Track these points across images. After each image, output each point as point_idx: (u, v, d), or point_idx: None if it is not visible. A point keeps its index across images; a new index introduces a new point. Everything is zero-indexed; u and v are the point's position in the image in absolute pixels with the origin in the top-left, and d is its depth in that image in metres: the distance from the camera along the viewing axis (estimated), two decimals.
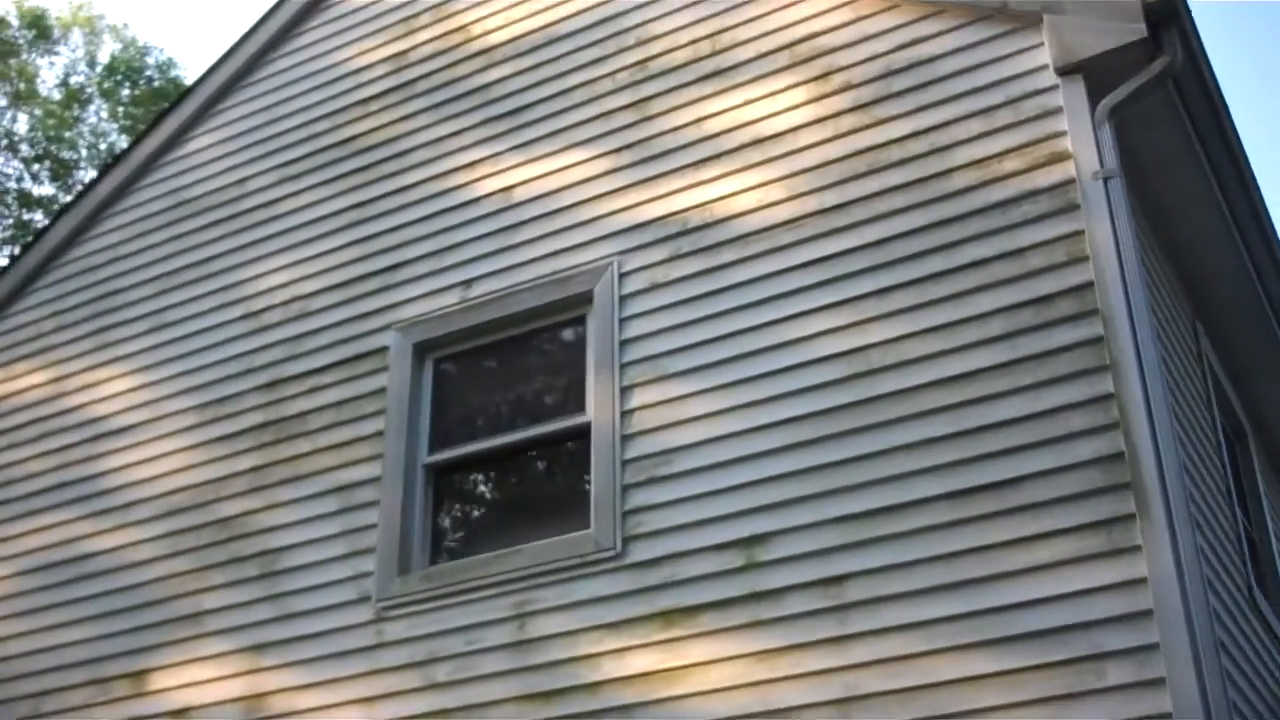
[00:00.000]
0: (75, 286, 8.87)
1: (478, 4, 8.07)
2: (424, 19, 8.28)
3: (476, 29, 8.01)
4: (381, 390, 7.27)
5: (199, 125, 8.90)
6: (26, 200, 23.42)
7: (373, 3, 8.53)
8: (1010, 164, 5.98)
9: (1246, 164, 6.49)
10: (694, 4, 7.24)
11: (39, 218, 23.61)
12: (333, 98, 8.40)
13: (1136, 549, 5.16)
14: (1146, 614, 5.06)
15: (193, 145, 8.87)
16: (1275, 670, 6.45)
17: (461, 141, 7.69)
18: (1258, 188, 6.59)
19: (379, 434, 7.17)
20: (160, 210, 8.76)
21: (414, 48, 8.21)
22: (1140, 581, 5.11)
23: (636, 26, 7.39)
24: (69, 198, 23.41)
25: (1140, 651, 5.04)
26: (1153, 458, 5.20)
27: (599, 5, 7.56)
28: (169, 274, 8.46)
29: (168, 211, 8.72)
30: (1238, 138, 6.34)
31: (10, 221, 23.19)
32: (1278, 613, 6.98)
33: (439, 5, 8.24)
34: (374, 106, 8.18)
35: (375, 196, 7.88)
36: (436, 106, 7.91)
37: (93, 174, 23.84)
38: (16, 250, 23.13)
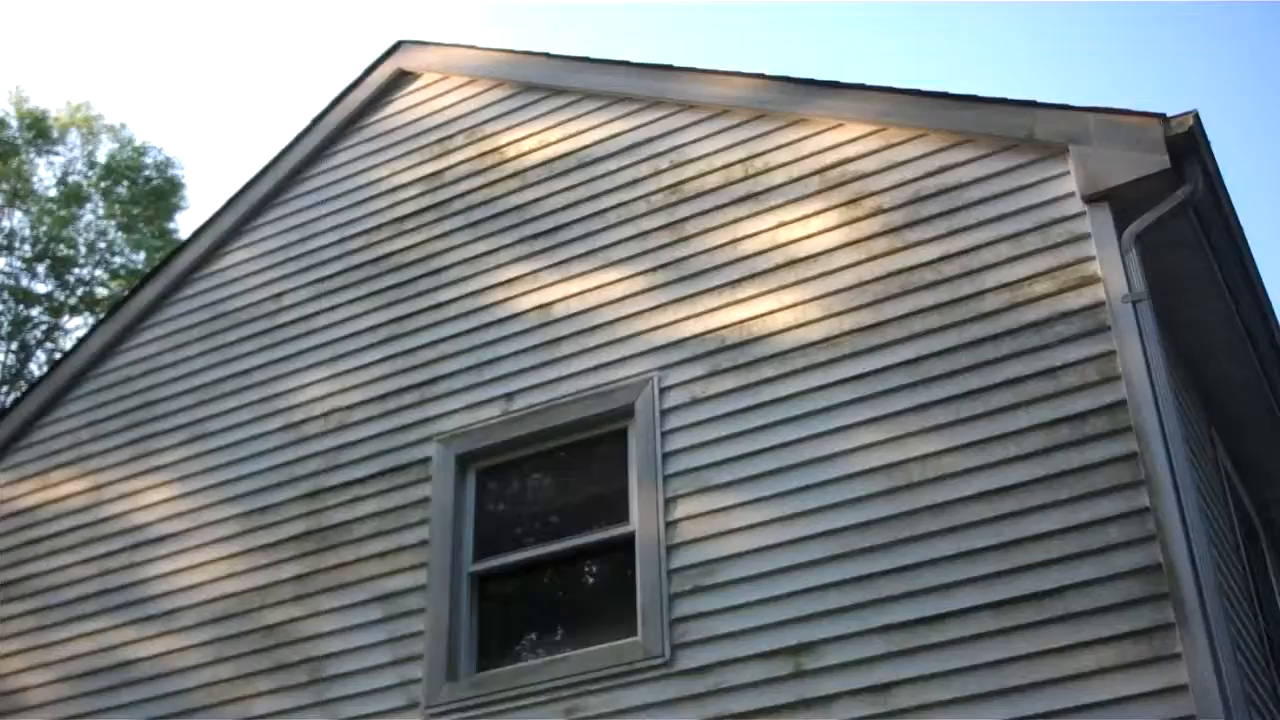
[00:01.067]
0: (113, 397, 8.97)
1: (512, 126, 8.30)
2: (458, 140, 8.50)
3: (511, 150, 8.23)
4: (424, 500, 7.39)
5: (235, 240, 9.07)
6: (26, 297, 23.49)
7: (408, 123, 8.75)
8: (1041, 286, 6.21)
9: (1261, 286, 6.76)
10: (726, 130, 7.48)
11: (36, 313, 23.69)
12: (367, 215, 8.59)
13: (1177, 656, 5.32)
14: (1189, 719, 5.21)
15: (228, 259, 9.03)
16: None
17: (498, 259, 7.88)
18: (1271, 310, 6.87)
19: (423, 543, 7.27)
20: (197, 323, 8.90)
21: (449, 168, 8.42)
22: (1181, 688, 5.27)
23: (670, 150, 7.63)
24: (67, 295, 23.54)
25: None
26: (1189, 568, 5.38)
27: (633, 130, 7.80)
28: (207, 385, 8.58)
29: (205, 324, 8.86)
30: (1253, 261, 6.62)
31: (9, 318, 23.24)
32: None
33: (473, 127, 8.47)
34: (409, 225, 8.37)
35: (412, 312, 8.04)
36: (472, 225, 8.10)
37: (93, 271, 23.97)
38: (14, 347, 23.18)
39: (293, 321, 8.48)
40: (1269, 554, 8.14)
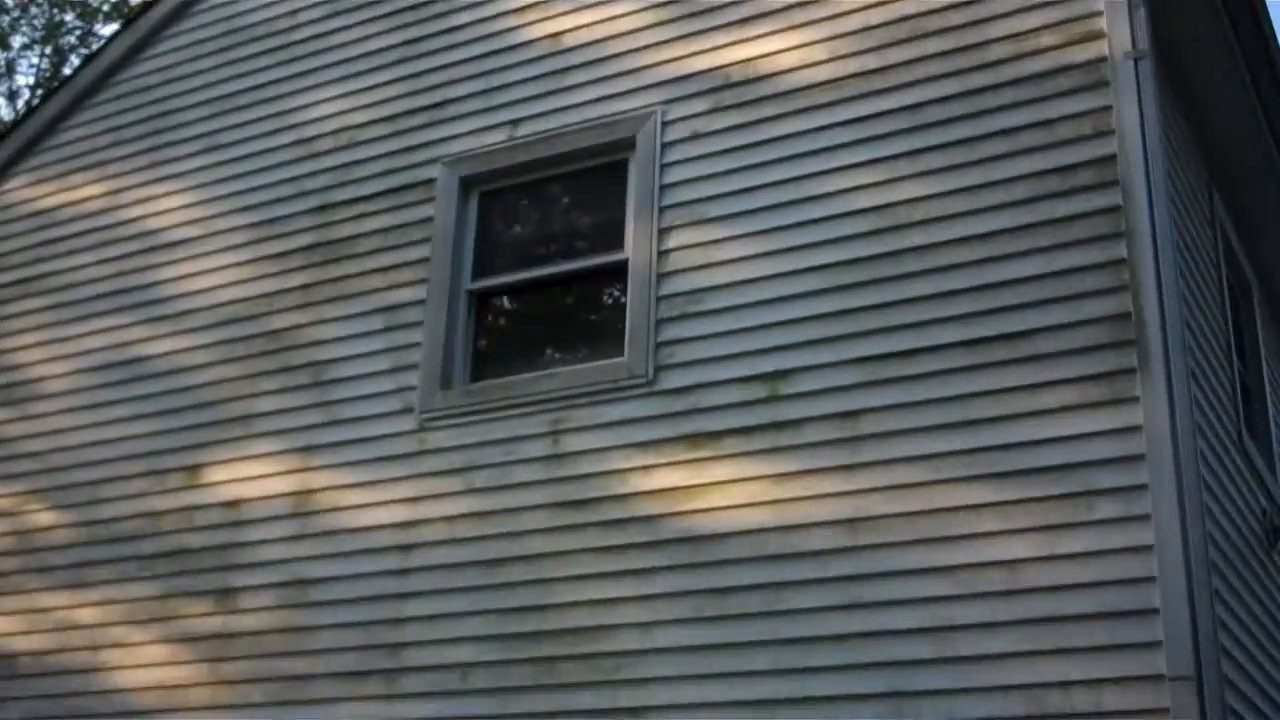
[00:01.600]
0: (131, 105, 9.03)
1: None
2: None
3: None
4: (428, 219, 7.52)
5: None
6: (59, 1, 23.06)
7: None
8: (1046, 39, 6.19)
9: (1272, 39, 6.73)
10: None
11: (70, 19, 23.33)
12: None
13: (1134, 400, 5.50)
14: (1138, 458, 5.42)
15: None
16: (1255, 505, 6.87)
17: None
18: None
19: (424, 260, 7.43)
20: (215, 35, 8.89)
21: None
22: (1135, 429, 5.47)
23: None
24: (100, 0, 23.16)
25: (1129, 490, 5.42)
26: (1157, 319, 5.52)
27: None
28: (222, 98, 8.63)
29: (222, 37, 8.85)
30: (1268, 17, 6.56)
31: (43, 22, 22.93)
32: (1263, 454, 7.40)
33: None
34: None
35: (424, 35, 8.03)
36: None
37: None
38: (49, 50, 22.99)
39: (307, 39, 8.47)
40: (1260, 309, 8.29)
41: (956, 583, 5.60)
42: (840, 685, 5.67)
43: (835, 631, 5.76)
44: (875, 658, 5.64)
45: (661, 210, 6.85)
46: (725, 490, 6.20)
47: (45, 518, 8.04)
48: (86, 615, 7.62)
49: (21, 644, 7.76)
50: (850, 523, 5.88)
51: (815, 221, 6.45)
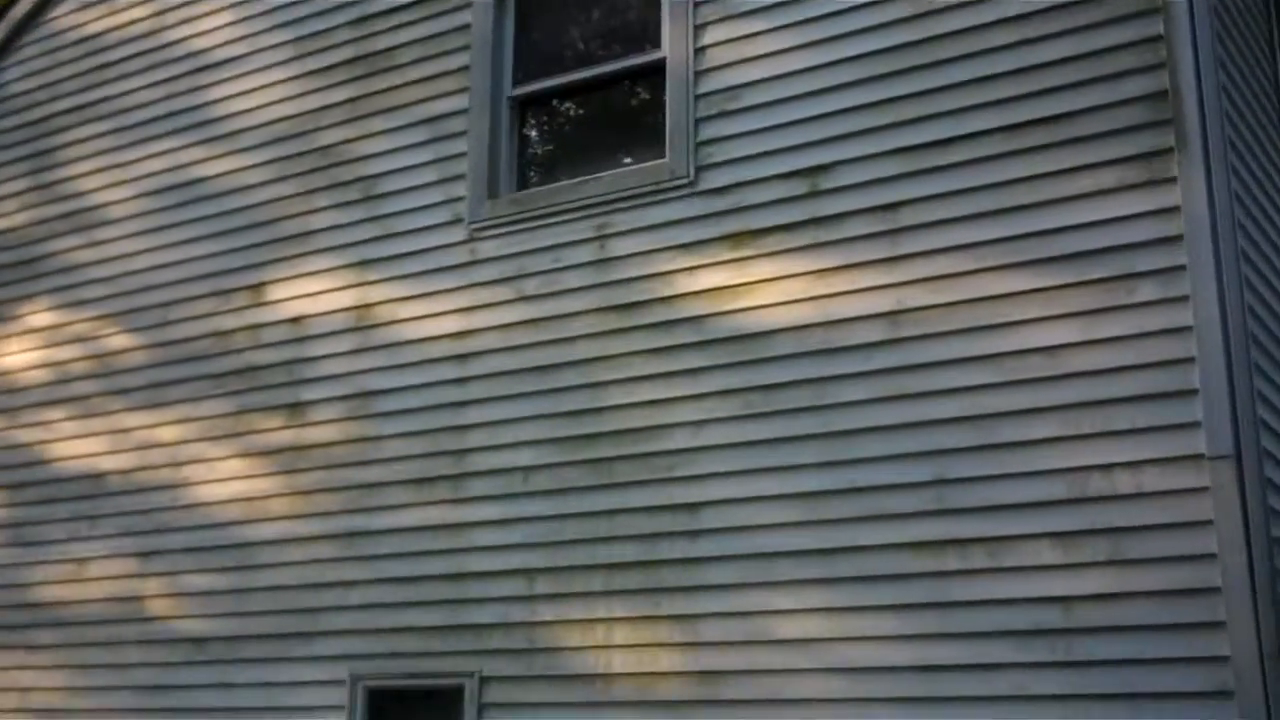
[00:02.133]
0: None
1: None
2: None
3: None
4: (465, 27, 7.53)
5: None
6: None
7: None
8: None
9: None
10: None
11: None
12: None
13: (1172, 180, 5.47)
14: (1177, 239, 5.42)
15: None
16: None
17: None
18: None
19: (464, 69, 7.47)
20: None
21: None
22: (1174, 210, 5.45)
23: None
24: None
25: (1168, 272, 5.43)
26: (1194, 96, 5.44)
27: None
28: None
29: None
30: None
31: None
32: None
33: None
34: None
35: None
36: None
37: None
38: None
39: None
40: None
41: (998, 370, 5.70)
42: (885, 475, 5.84)
43: (879, 423, 5.90)
44: (919, 448, 5.79)
45: (696, 7, 6.80)
46: (769, 288, 6.30)
47: (120, 341, 8.39)
48: (166, 434, 8.00)
49: (108, 463, 8.19)
50: (892, 315, 5.97)
51: (851, 10, 6.37)
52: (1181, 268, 5.39)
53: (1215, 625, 5.09)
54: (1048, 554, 5.44)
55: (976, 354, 5.76)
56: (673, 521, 6.29)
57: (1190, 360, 5.32)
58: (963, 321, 5.82)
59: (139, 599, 7.80)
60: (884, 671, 5.66)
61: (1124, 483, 5.37)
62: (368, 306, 7.47)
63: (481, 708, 6.54)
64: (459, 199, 7.30)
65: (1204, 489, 5.20)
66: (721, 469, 6.23)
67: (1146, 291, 5.47)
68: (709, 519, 6.21)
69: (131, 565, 7.89)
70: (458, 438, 6.98)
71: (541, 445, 6.73)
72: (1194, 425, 5.27)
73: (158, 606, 7.72)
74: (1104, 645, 5.27)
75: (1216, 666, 5.06)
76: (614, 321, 6.68)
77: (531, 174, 7.37)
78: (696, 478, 6.28)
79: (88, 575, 8.04)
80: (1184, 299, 5.37)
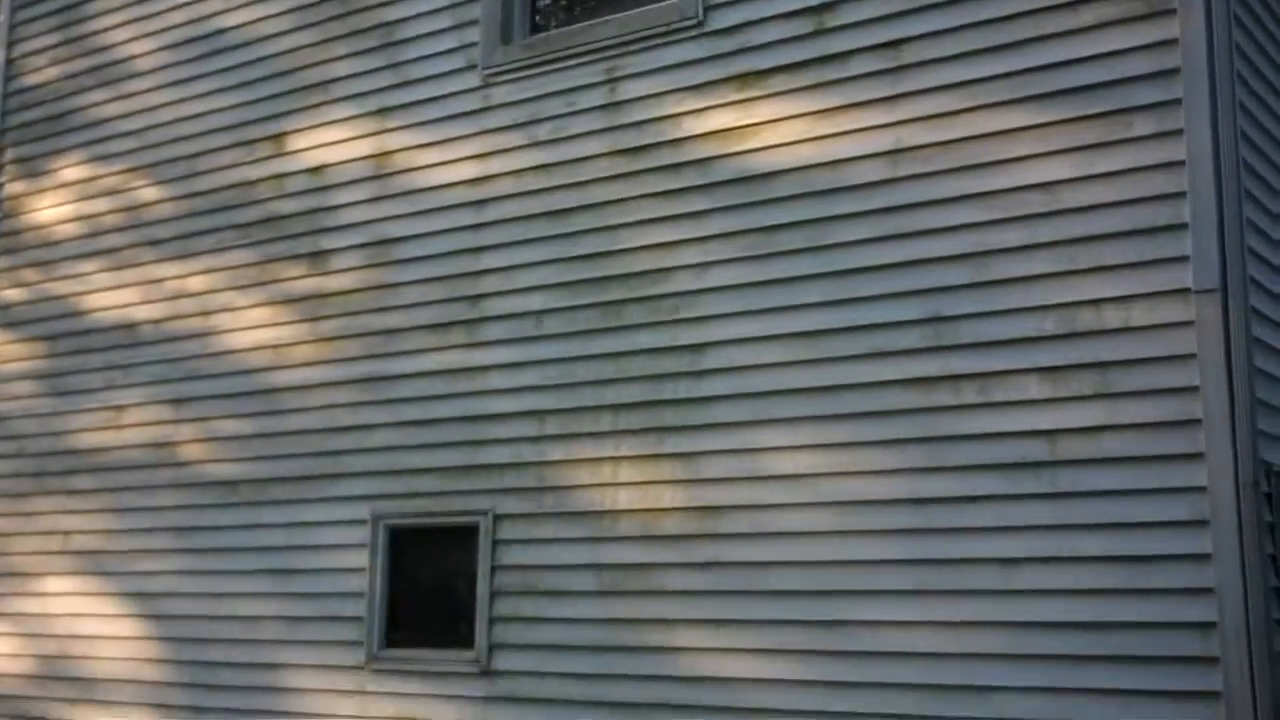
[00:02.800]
0: None
1: None
2: None
3: None
4: None
5: None
6: None
7: None
8: None
9: None
10: None
11: None
12: None
13: (1172, 12, 5.56)
14: (1174, 72, 5.53)
15: None
16: None
17: None
18: None
19: None
20: None
21: None
22: (1172, 42, 5.55)
23: None
24: None
25: (1164, 106, 5.54)
26: None
27: None
28: None
29: None
30: None
31: None
32: None
33: None
34: None
35: None
36: None
37: None
38: None
39: None
40: None
41: (994, 207, 5.86)
42: (882, 313, 6.06)
43: (878, 262, 6.11)
44: (916, 285, 5.99)
45: None
46: (773, 129, 6.48)
47: (149, 193, 8.76)
48: (195, 283, 8.39)
49: (141, 313, 8.60)
50: (891, 154, 6.15)
51: None
52: (1177, 101, 5.51)
53: (1195, 456, 5.30)
54: (1036, 388, 5.66)
55: (973, 191, 5.93)
56: (677, 362, 6.58)
57: (1182, 195, 5.46)
58: (961, 159, 5.98)
59: (172, 444, 8.26)
60: (875, 505, 5.94)
61: (1112, 317, 5.56)
62: (386, 154, 7.75)
63: (495, 544, 6.93)
64: (473, 45, 7.52)
65: (1189, 323, 5.38)
66: (725, 310, 6.48)
67: (1142, 126, 5.59)
68: (712, 359, 6.48)
69: (165, 412, 8.34)
70: (473, 283, 7.29)
71: (553, 289, 7.02)
72: (1182, 260, 5.43)
73: (190, 451, 8.17)
74: (1088, 477, 5.51)
75: (1196, 496, 5.29)
76: (624, 165, 6.91)
77: (544, 18, 7.55)
78: (701, 319, 6.55)
79: (124, 422, 8.51)
80: (1178, 133, 5.49)
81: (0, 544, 8.93)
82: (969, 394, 5.82)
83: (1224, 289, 5.32)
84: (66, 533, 8.61)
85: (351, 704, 7.22)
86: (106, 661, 8.23)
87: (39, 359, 9.06)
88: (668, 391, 6.57)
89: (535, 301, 7.06)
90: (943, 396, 5.87)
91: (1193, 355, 5.35)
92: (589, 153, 7.01)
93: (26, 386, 9.08)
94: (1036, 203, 5.78)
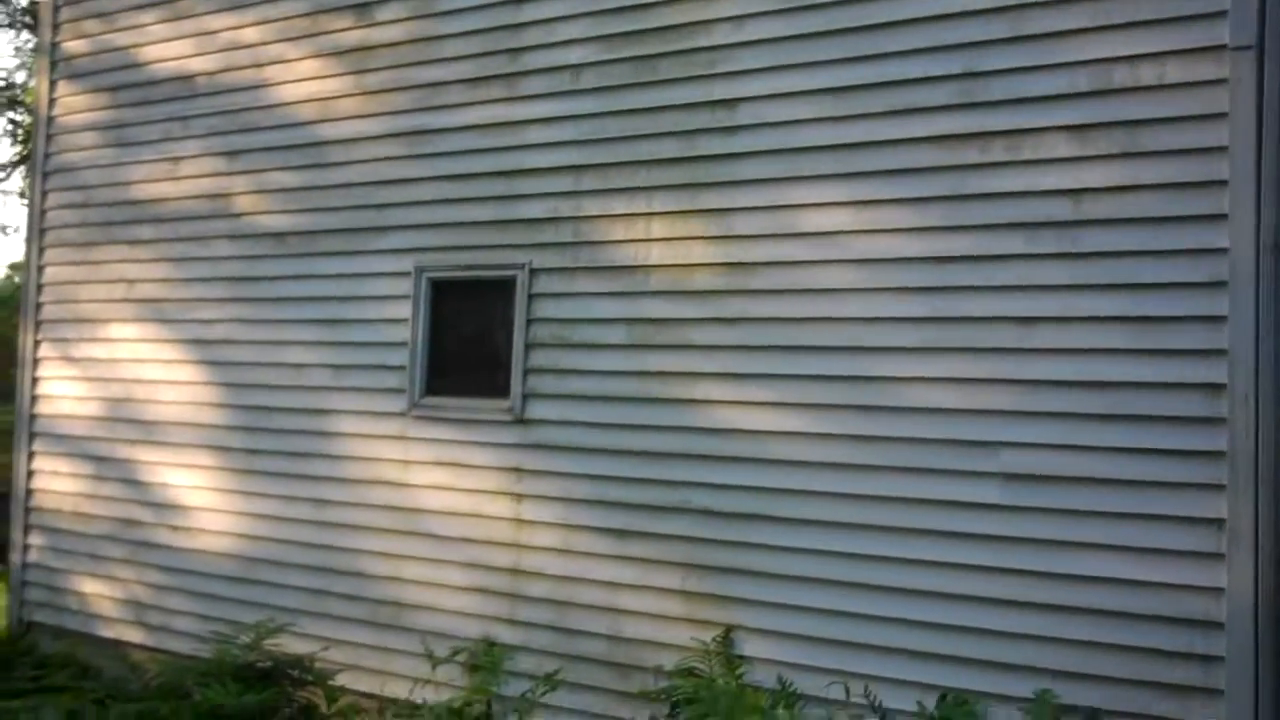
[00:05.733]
0: None
1: None
2: None
3: None
4: None
5: None
6: None
7: None
8: None
9: None
10: None
11: None
12: None
13: None
14: None
15: None
16: None
17: None
18: None
19: None
20: None
21: None
22: None
23: None
24: None
25: None
26: None
27: None
28: None
29: None
30: None
31: None
32: None
33: None
34: None
35: None
36: None
37: None
38: None
39: None
40: None
41: None
42: (915, 68, 5.95)
43: (913, 15, 5.98)
44: (950, 40, 5.87)
45: None
46: None
47: None
48: (249, 35, 8.41)
49: (197, 65, 8.67)
50: None
51: None
52: None
53: (1218, 218, 5.22)
54: (1063, 146, 5.57)
55: None
56: (711, 118, 6.54)
57: None
58: None
59: (227, 195, 8.42)
60: (899, 262, 5.95)
61: (1146, 74, 5.42)
62: None
63: (531, 298, 7.05)
64: None
65: (1223, 80, 5.24)
66: (758, 65, 6.41)
67: None
68: (745, 115, 6.44)
69: (220, 164, 8.48)
70: (513, 35, 7.25)
71: (591, 43, 6.97)
72: (1220, 15, 5.26)
73: (244, 203, 8.33)
74: (1110, 237, 5.46)
75: (1215, 258, 5.23)
76: None
77: None
78: (735, 74, 6.48)
79: (181, 174, 8.67)
80: None
81: (69, 291, 9.24)
82: (997, 151, 5.74)
83: (1260, 46, 5.16)
84: (130, 281, 8.87)
85: (394, 448, 7.48)
86: (167, 405, 8.57)
87: (101, 110, 9.21)
88: (701, 146, 6.56)
89: (574, 55, 7.02)
90: (970, 154, 5.80)
91: (1224, 115, 5.23)
92: None
93: (90, 137, 9.26)
94: None
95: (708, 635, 6.29)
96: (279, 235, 8.13)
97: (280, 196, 8.15)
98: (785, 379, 6.22)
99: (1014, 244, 5.66)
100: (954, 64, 5.87)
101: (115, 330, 8.92)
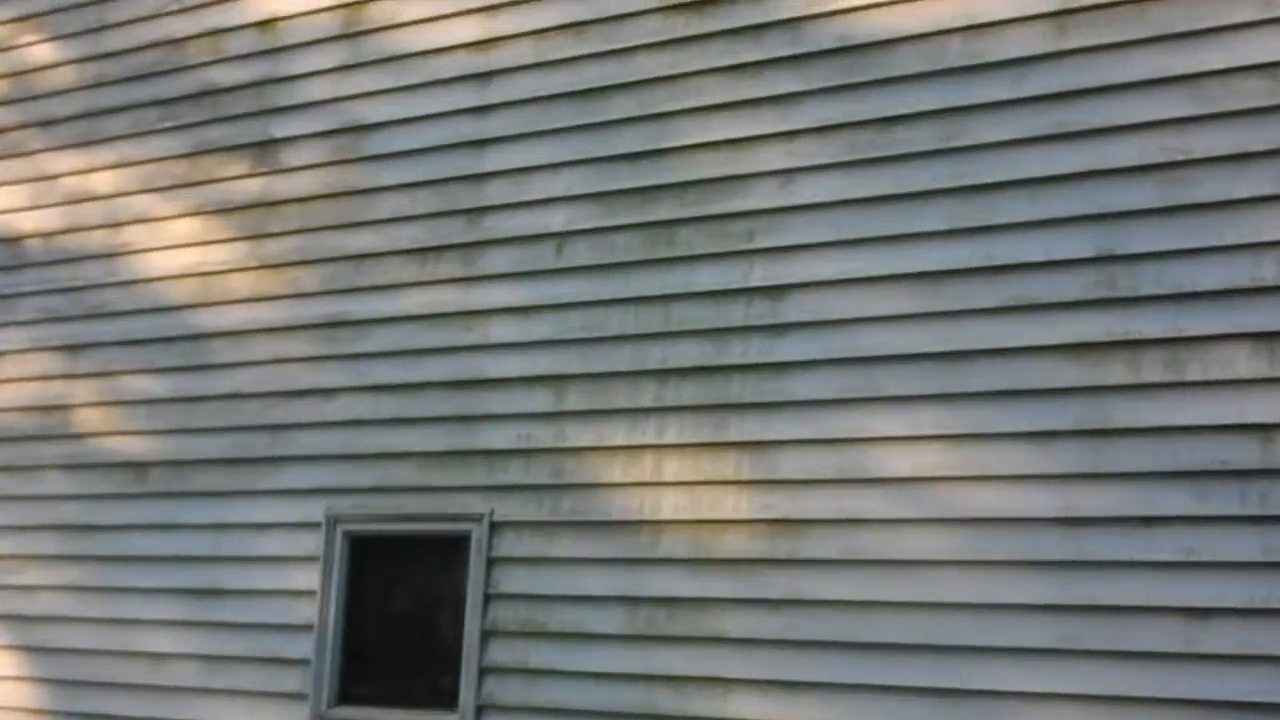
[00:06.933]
0: None
1: None
2: None
3: None
4: None
5: None
6: None
7: None
8: None
9: None
10: None
11: None
12: None
13: None
14: None
15: None
16: None
17: None
18: None
19: None
20: None
21: None
22: None
23: None
24: None
25: None
26: None
27: None
28: None
29: None
30: None
31: None
32: None
33: None
34: None
35: None
36: None
37: None
38: None
39: None
40: None
41: (1200, 97, 5.84)
42: (1034, 248, 6.07)
43: (1031, 174, 6.14)
44: (1081, 209, 6.01)
45: None
46: None
47: (42, 52, 9.10)
48: (101, 182, 8.72)
49: (27, 222, 8.96)
50: (1056, 17, 6.18)
51: None
52: None
53: None
54: (1244, 363, 5.68)
55: (1172, 72, 5.94)
56: (749, 311, 6.71)
57: None
58: (1155, 24, 6.00)
59: (64, 408, 8.60)
60: (1017, 524, 6.01)
61: None
62: (360, 4, 7.98)
63: (491, 563, 7.15)
64: None
65: None
66: (816, 238, 6.59)
67: None
68: (796, 309, 6.60)
69: (55, 363, 8.69)
70: (473, 190, 7.51)
71: (582, 202, 7.20)
72: None
73: (87, 419, 8.51)
74: None
75: None
76: (684, 24, 7.04)
77: None
78: (783, 250, 6.67)
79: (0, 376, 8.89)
80: None
81: None
82: (1151, 368, 5.85)
83: None
84: None
85: None
86: None
87: None
88: (735, 353, 6.72)
89: (556, 219, 7.25)
90: (1115, 371, 5.91)
91: None
92: (635, 7, 7.18)
93: None
94: (1256, 93, 5.79)
95: None
96: (136, 466, 8.29)
97: (140, 411, 8.35)
98: (855, 690, 6.24)
99: (1179, 501, 5.73)
100: (1086, 243, 6.02)
101: None
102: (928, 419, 6.26)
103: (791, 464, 6.53)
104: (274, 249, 8.06)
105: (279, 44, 8.25)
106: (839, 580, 6.37)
